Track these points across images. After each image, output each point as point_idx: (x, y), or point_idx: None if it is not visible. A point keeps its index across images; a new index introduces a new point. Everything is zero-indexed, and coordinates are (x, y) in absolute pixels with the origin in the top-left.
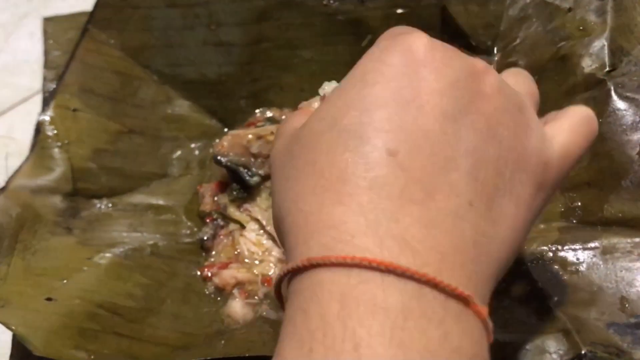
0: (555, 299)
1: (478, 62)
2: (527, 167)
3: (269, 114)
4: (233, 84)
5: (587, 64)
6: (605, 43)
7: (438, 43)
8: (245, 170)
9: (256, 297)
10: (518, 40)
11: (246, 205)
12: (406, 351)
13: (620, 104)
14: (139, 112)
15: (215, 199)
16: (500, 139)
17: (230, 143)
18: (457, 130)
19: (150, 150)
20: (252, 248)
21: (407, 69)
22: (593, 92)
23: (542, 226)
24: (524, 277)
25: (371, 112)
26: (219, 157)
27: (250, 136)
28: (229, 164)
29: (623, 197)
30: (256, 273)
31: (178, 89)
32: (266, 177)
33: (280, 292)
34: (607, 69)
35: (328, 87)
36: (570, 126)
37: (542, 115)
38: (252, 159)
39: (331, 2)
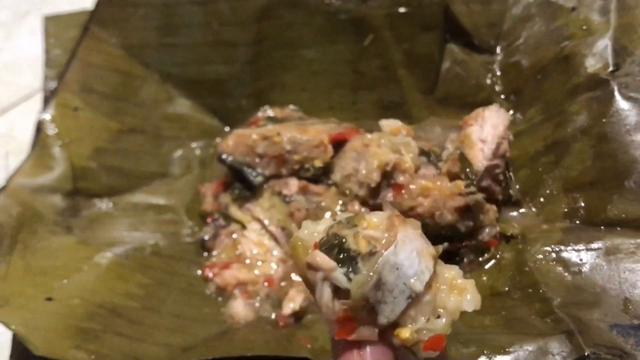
0: (558, 300)
1: None
2: None
3: (270, 113)
4: (234, 83)
5: (591, 64)
6: (609, 43)
7: None
8: (250, 170)
9: (257, 297)
10: (521, 40)
11: (248, 205)
12: None
13: (623, 104)
14: (140, 111)
15: (217, 198)
16: None
17: (235, 142)
18: None
19: (151, 150)
20: (254, 248)
21: None
22: (596, 92)
23: (545, 227)
24: (526, 277)
25: None
26: (223, 156)
27: (255, 136)
28: (233, 163)
29: (627, 197)
30: (257, 273)
31: (179, 88)
32: (269, 177)
33: None
34: (611, 68)
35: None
36: None
37: (544, 117)
38: (258, 159)
39: (333, 0)
